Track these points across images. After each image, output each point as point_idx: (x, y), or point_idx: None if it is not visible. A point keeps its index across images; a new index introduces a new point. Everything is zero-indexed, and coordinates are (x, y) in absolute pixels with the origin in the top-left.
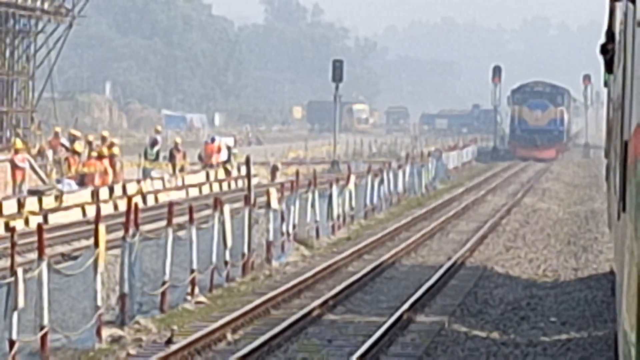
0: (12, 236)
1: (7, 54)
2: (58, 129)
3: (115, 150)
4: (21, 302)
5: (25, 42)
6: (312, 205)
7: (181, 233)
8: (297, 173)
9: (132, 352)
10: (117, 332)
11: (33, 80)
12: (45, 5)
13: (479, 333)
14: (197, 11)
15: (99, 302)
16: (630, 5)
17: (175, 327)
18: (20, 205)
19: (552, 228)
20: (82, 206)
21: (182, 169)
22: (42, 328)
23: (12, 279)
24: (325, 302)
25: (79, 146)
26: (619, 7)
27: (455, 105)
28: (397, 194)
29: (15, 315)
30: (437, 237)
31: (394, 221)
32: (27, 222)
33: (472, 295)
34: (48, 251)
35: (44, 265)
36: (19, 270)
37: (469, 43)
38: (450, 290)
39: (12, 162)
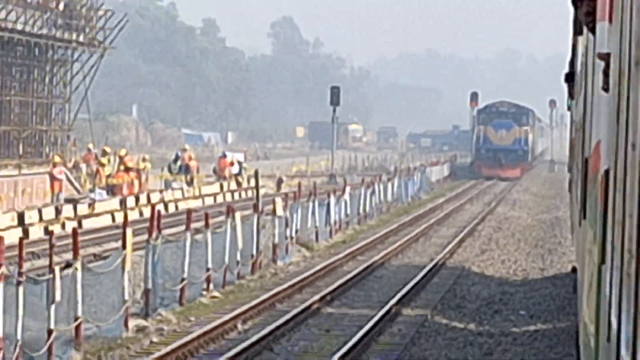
0: (50, 239)
1: (47, 80)
2: (90, 145)
3: (146, 164)
4: (58, 297)
5: (63, 70)
6: (313, 213)
7: (198, 236)
8: (299, 185)
9: (155, 340)
10: (141, 322)
11: (70, 103)
12: (81, 38)
13: (457, 324)
14: (213, 44)
15: (126, 297)
16: (591, 36)
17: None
18: (58, 212)
19: (521, 233)
20: (111, 213)
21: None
22: (76, 319)
23: (50, 276)
24: (324, 297)
25: (103, 159)
26: (581, 41)
27: (438, 125)
28: (387, 203)
29: (52, 307)
30: (422, 241)
31: (384, 227)
32: (63, 226)
33: (451, 292)
34: (82, 252)
35: (78, 264)
36: (56, 269)
37: (450, 72)
38: (432, 287)
39: (50, 174)
